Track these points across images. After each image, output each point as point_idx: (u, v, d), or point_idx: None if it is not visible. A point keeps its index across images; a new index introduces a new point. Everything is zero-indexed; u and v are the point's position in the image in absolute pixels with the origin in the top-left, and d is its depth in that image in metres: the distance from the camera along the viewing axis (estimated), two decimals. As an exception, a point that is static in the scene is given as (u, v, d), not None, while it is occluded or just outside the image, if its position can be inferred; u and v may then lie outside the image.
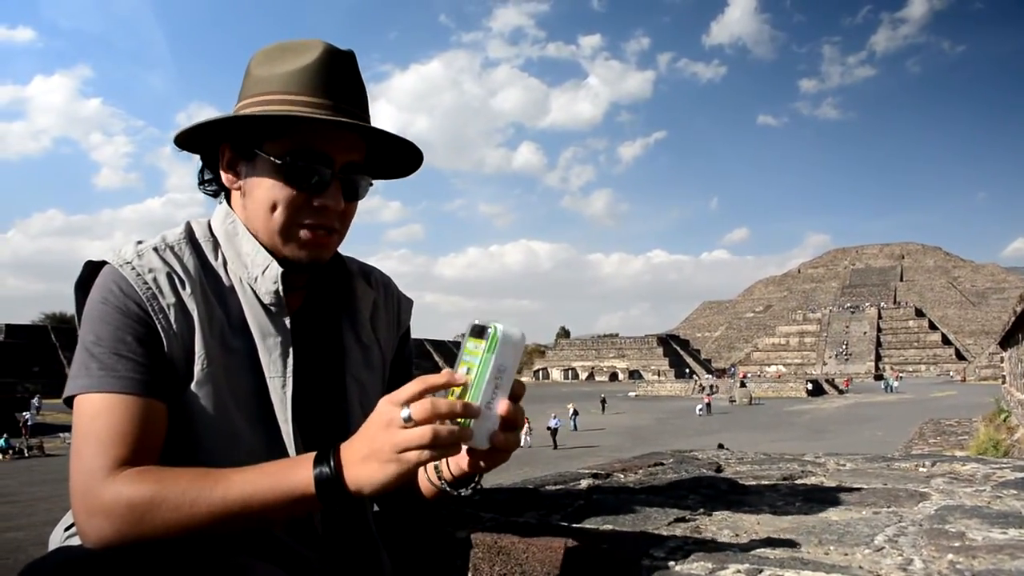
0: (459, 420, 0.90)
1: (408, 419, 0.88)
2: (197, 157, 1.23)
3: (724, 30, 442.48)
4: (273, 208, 1.12)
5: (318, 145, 1.11)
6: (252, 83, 1.15)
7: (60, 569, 0.88)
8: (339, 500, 0.94)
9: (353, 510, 1.22)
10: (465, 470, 1.09)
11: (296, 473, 0.95)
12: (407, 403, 0.90)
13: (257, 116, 1.10)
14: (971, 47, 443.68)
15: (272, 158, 1.11)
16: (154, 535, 0.94)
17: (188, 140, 1.18)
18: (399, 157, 1.27)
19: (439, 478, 1.15)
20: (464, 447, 0.95)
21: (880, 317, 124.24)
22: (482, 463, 1.02)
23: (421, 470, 1.18)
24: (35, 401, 43.62)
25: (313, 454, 0.96)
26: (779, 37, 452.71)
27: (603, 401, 49.74)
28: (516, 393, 0.96)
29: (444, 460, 1.13)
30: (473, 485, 1.13)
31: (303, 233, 1.13)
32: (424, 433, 0.88)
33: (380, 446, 0.90)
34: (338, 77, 1.14)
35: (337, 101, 1.13)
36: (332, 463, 0.94)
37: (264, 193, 1.12)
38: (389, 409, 0.91)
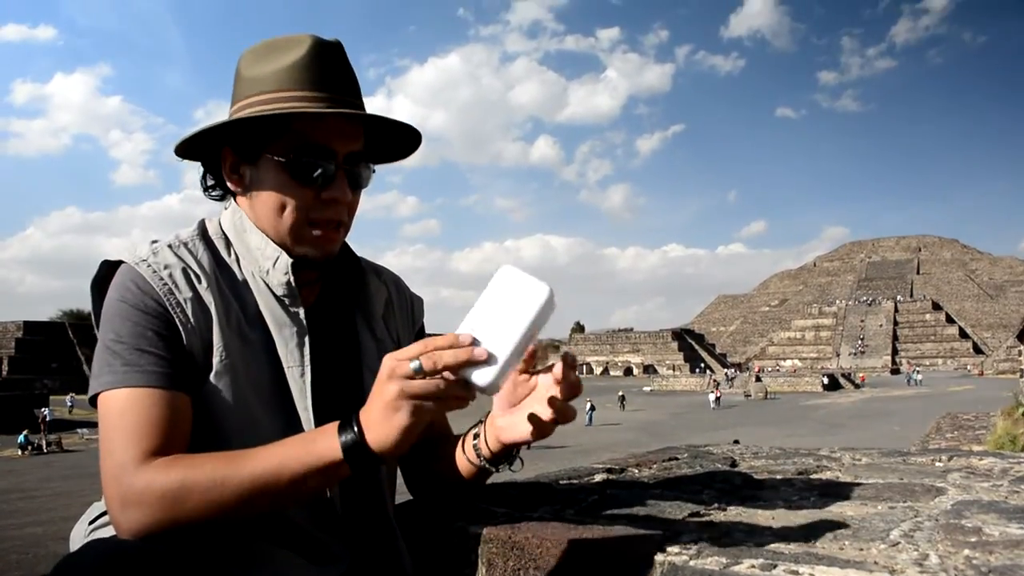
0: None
1: (419, 369, 0.89)
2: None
3: (743, 22, 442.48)
4: (282, 207, 1.13)
5: (319, 139, 1.12)
6: (244, 85, 1.15)
7: (96, 563, 0.89)
8: (366, 462, 0.96)
9: (373, 498, 1.24)
10: (504, 443, 1.14)
11: (322, 442, 0.97)
12: (414, 358, 0.90)
13: (255, 117, 1.11)
14: (993, 38, 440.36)
15: (277, 157, 1.12)
16: (188, 520, 0.96)
17: (188, 148, 1.18)
18: (397, 140, 1.28)
19: (478, 455, 1.20)
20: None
21: (896, 310, 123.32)
22: (524, 433, 1.08)
23: (459, 448, 1.25)
24: (68, 399, 44.27)
25: (335, 424, 0.98)
26: (798, 29, 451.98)
27: (622, 398, 48.05)
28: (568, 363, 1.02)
29: (482, 437, 1.20)
30: (512, 460, 1.20)
31: (313, 230, 1.15)
32: (434, 382, 0.90)
33: (389, 395, 0.91)
34: (329, 68, 1.15)
35: (332, 92, 1.13)
36: (355, 428, 0.95)
37: (272, 193, 1.14)
38: (391, 361, 0.92)
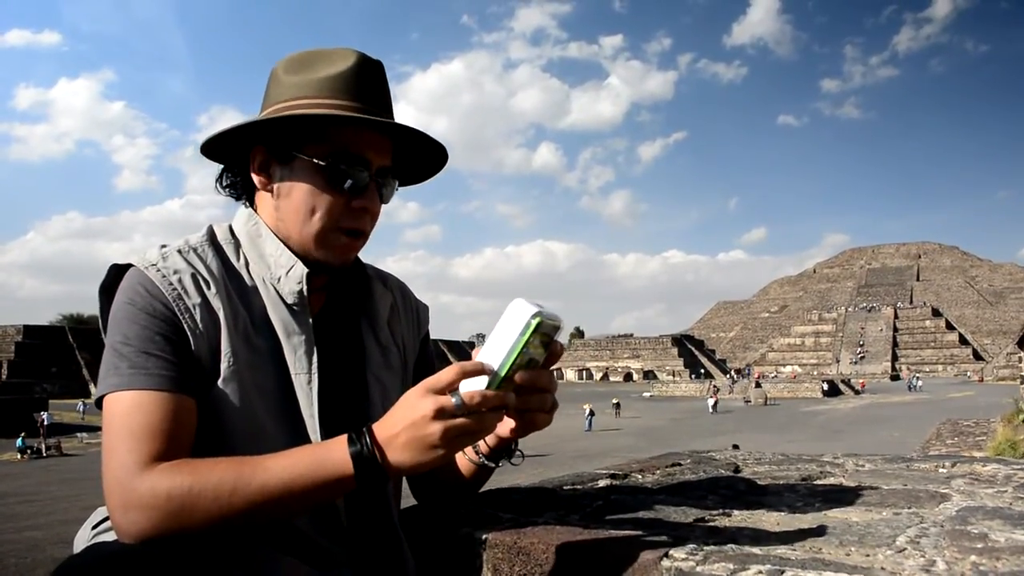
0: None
1: (460, 405, 0.91)
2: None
3: (746, 31, 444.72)
4: (312, 210, 1.14)
5: (357, 148, 1.14)
6: (283, 88, 1.16)
7: (96, 566, 0.88)
8: (377, 479, 0.96)
9: (378, 505, 1.24)
10: (503, 436, 1.16)
11: (332, 455, 0.97)
12: (450, 390, 0.93)
13: (299, 117, 1.12)
14: (995, 47, 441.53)
15: (316, 160, 1.12)
16: (193, 527, 0.96)
17: (216, 142, 1.19)
18: (422, 161, 1.29)
19: (476, 452, 1.25)
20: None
21: (896, 317, 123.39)
22: (516, 429, 1.10)
23: None
24: (79, 404, 43.86)
25: (344, 436, 0.98)
26: (801, 38, 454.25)
27: (616, 405, 46.56)
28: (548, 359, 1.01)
29: None
30: (512, 454, 1.24)
31: (338, 236, 1.16)
32: (478, 420, 0.93)
33: (430, 433, 0.93)
34: (371, 84, 1.17)
35: (370, 106, 1.15)
36: (368, 442, 0.96)
37: (303, 195, 1.14)
38: (434, 398, 0.93)
